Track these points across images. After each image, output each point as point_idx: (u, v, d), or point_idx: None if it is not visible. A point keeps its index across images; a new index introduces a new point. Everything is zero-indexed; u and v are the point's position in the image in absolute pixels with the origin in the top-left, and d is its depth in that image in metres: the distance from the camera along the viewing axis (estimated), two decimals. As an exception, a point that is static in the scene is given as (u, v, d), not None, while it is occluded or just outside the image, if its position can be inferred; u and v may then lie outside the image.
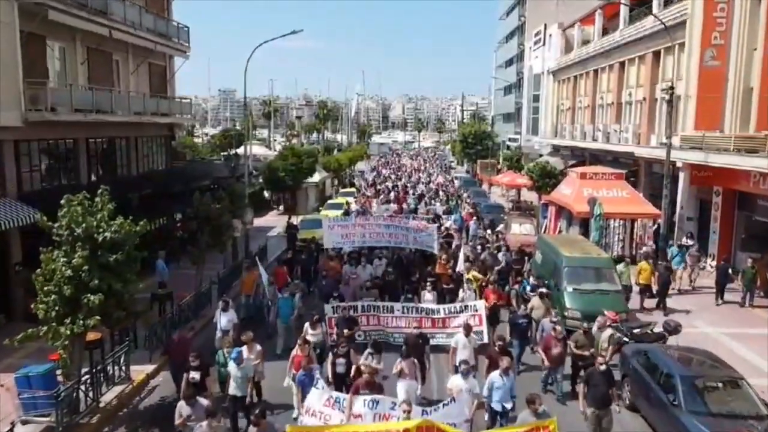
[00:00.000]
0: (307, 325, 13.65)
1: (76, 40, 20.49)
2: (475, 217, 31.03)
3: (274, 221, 36.91)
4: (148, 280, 21.29)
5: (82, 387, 11.82)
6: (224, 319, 14.65)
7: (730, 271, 21.31)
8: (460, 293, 16.57)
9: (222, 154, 49.51)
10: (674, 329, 14.93)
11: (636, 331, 15.22)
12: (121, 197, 22.49)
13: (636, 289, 19.40)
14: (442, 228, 27.27)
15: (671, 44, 28.33)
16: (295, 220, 32.86)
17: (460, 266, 18.30)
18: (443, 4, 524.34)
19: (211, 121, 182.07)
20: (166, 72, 28.28)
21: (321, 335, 13.62)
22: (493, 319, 15.43)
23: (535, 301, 15.61)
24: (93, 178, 21.97)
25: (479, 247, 22.56)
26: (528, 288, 18.52)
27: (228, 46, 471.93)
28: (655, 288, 19.67)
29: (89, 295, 10.96)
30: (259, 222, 36.71)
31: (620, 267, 18.81)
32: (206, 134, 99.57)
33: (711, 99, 24.43)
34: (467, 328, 12.70)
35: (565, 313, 16.29)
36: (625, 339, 14.59)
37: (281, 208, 41.46)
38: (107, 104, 20.96)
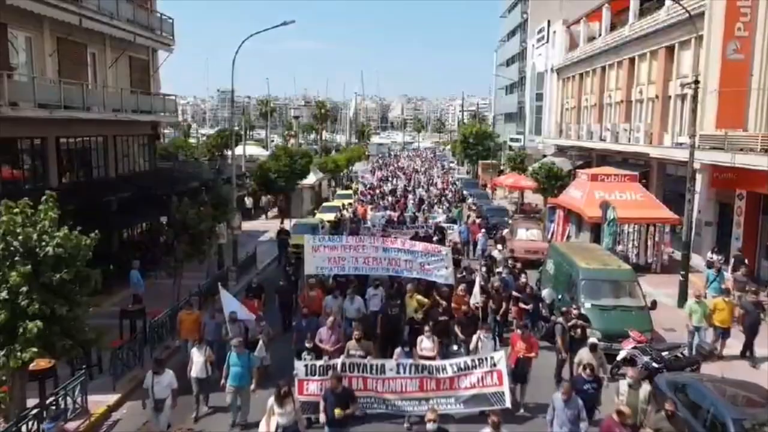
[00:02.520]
0: (271, 400, 9.72)
1: (43, 29, 18.71)
2: (483, 229, 27.03)
3: (266, 225, 35.11)
4: (121, 293, 19.73)
5: (24, 426, 10.04)
6: (158, 386, 10.63)
7: (746, 261, 20.09)
8: (474, 338, 12.69)
9: (218, 154, 47.79)
10: (709, 353, 13.26)
11: (665, 354, 13.45)
12: (97, 201, 20.91)
13: (710, 332, 14.99)
14: (447, 242, 24.27)
15: (688, 37, 26.70)
16: (289, 224, 31.20)
17: (476, 298, 14.67)
18: (442, 3, 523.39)
19: (209, 121, 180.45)
20: (149, 67, 26.51)
21: (292, 414, 9.67)
22: (519, 376, 11.90)
23: (584, 353, 11.47)
24: (64, 180, 20.22)
25: (484, 268, 18.48)
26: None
27: (227, 46, 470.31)
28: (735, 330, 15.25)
29: (27, 321, 9.20)
30: (250, 226, 34.98)
31: (691, 304, 15.08)
32: (203, 135, 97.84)
33: (733, 95, 22.67)
34: (496, 427, 8.52)
35: (583, 332, 14.53)
36: (654, 364, 12.85)
37: (268, 214, 39.36)
38: (78, 99, 19.16)
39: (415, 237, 23.59)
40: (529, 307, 15.55)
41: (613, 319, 14.62)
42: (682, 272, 19.39)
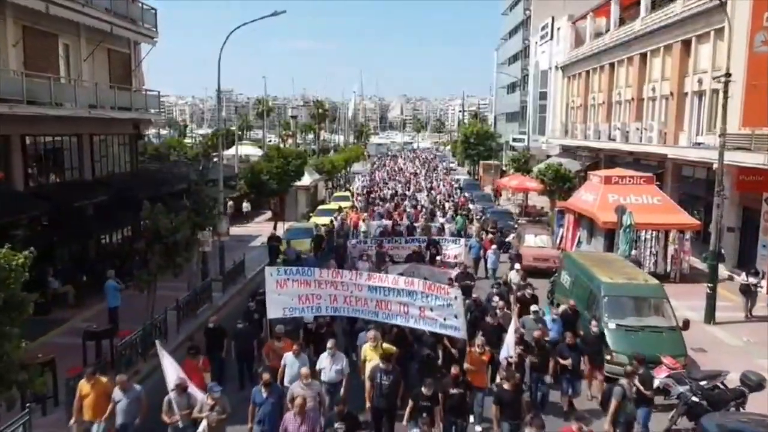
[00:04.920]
0: None
1: (6, 15, 16.93)
2: (494, 245, 22.74)
3: (259, 230, 33.31)
4: (96, 307, 17.97)
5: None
6: None
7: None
8: None
9: (202, 154, 45.99)
10: (757, 384, 11.42)
11: (703, 383, 11.69)
12: (70, 205, 19.15)
13: None
14: (445, 256, 21.06)
15: (707, 30, 25.07)
16: (282, 228, 29.47)
17: (508, 350, 10.93)
18: (442, 3, 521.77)
19: (207, 121, 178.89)
20: (131, 61, 24.71)
21: None
22: None
23: None
24: (31, 183, 18.44)
25: (497, 298, 14.42)
26: (549, 319, 13.67)
27: (225, 46, 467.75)
28: None
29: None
30: (241, 231, 33.28)
31: None
32: (200, 135, 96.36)
33: (761, 91, 20.96)
34: None
35: (608, 357, 12.80)
36: (694, 398, 11.10)
37: (249, 221, 37.05)
38: (45, 94, 17.38)
39: (412, 255, 20.59)
40: (568, 362, 11.57)
41: (641, 342, 12.85)
42: (709, 284, 17.62)
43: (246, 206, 37.53)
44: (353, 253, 20.75)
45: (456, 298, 11.27)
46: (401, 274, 15.69)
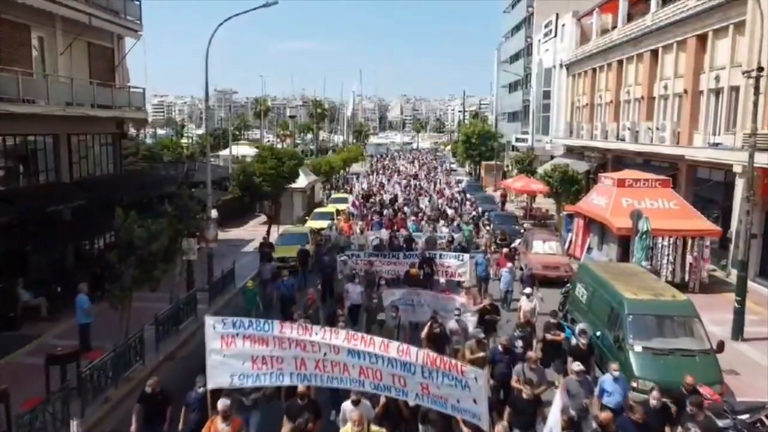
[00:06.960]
0: None
1: (-30, 5, 15.53)
2: (509, 263, 19.45)
3: (255, 233, 31.81)
4: (69, 321, 16.51)
5: None
6: None
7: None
8: None
9: (187, 155, 44.54)
10: (810, 421, 10.00)
11: (744, 417, 10.28)
12: (44, 210, 17.73)
13: None
14: (447, 275, 18.51)
15: (725, 24, 23.69)
16: (276, 232, 28.06)
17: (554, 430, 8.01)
18: (441, 3, 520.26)
19: (206, 121, 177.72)
20: (114, 56, 23.24)
21: None
22: None
23: None
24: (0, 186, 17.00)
25: (520, 343, 11.43)
26: (609, 378, 10.39)
27: (225, 46, 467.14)
28: None
29: None
30: (234, 235, 31.86)
31: None
32: (197, 135, 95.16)
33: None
34: None
35: (634, 384, 11.34)
36: (738, 436, 9.68)
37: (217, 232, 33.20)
38: (13, 90, 15.92)
39: (410, 279, 17.34)
40: None
41: (671, 368, 11.40)
42: (737, 298, 16.18)
43: (213, 213, 34.27)
44: (345, 271, 18.33)
45: (476, 379, 7.91)
46: (396, 306, 13.91)
